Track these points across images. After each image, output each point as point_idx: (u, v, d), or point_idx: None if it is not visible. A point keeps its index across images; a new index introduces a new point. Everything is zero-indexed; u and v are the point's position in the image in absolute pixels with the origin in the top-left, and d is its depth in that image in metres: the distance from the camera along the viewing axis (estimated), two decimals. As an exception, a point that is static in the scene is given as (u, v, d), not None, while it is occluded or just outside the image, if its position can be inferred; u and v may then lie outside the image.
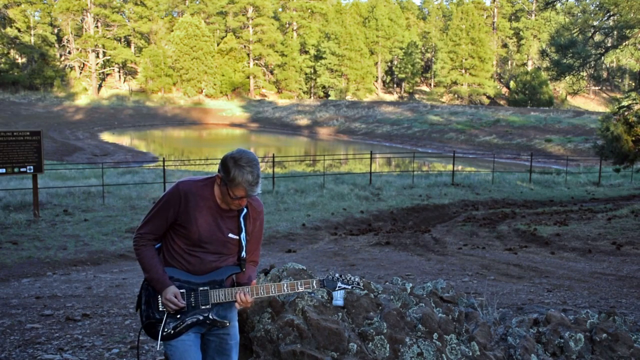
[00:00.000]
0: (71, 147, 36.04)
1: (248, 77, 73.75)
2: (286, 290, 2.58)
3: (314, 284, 2.61)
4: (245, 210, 2.57)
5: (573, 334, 3.61)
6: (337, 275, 2.65)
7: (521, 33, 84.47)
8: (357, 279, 2.68)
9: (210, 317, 2.53)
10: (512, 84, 71.32)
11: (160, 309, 2.50)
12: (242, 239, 2.56)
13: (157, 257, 2.53)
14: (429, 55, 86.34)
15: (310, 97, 76.64)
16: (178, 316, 2.49)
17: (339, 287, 2.62)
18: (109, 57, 67.53)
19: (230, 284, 2.59)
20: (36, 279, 7.41)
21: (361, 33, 76.78)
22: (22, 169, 11.30)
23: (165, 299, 2.45)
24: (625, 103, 16.82)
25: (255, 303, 3.20)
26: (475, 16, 75.70)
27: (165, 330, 2.48)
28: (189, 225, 2.47)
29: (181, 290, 2.49)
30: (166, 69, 67.20)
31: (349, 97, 71.36)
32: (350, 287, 2.65)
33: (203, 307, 2.51)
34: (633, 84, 51.77)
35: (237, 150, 2.44)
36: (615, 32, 18.84)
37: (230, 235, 2.53)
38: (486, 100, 75.12)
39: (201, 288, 2.50)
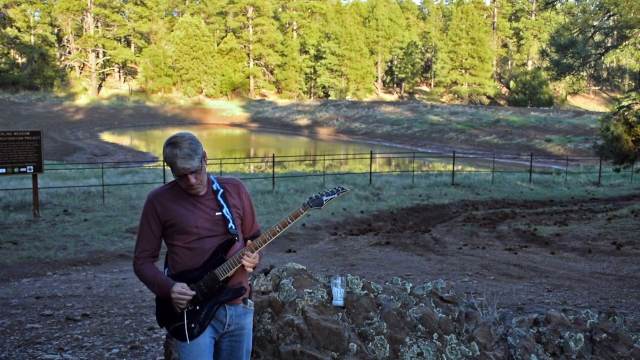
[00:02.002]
0: (71, 147, 36.04)
1: (248, 77, 73.76)
2: (279, 230, 2.58)
3: (301, 209, 2.61)
4: (221, 190, 2.60)
5: (573, 334, 3.61)
6: (321, 192, 2.67)
7: (521, 33, 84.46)
8: (341, 186, 2.68)
9: (227, 295, 2.52)
10: (512, 84, 71.30)
11: (178, 312, 2.51)
12: (225, 213, 2.56)
13: (156, 268, 2.54)
14: (429, 55, 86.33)
15: (310, 97, 76.65)
16: (197, 308, 2.50)
17: (325, 200, 2.63)
18: (109, 57, 67.55)
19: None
20: (36, 279, 7.41)
21: (361, 33, 76.77)
22: (22, 169, 11.30)
23: (175, 295, 2.45)
24: (625, 103, 16.81)
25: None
26: (475, 16, 75.69)
27: (192, 327, 2.49)
28: (176, 218, 2.49)
29: (190, 285, 2.50)
30: (166, 69, 67.20)
31: (349, 97, 71.36)
32: (336, 194, 2.66)
33: (215, 287, 2.51)
34: (633, 84, 51.75)
35: (175, 134, 2.51)
36: (615, 32, 18.85)
37: (217, 214, 2.55)
38: (486, 100, 75.12)
39: (206, 274, 2.51)
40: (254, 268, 2.57)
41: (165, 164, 2.50)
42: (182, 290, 2.44)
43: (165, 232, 2.54)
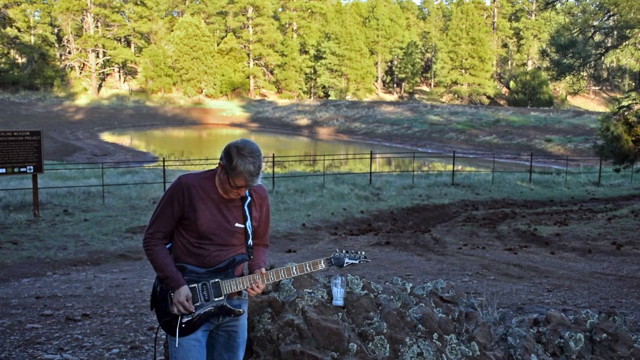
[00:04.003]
0: (71, 147, 36.04)
1: (248, 77, 73.75)
2: (295, 272, 2.60)
3: (323, 264, 2.63)
4: (249, 198, 2.59)
5: (573, 334, 3.61)
6: (343, 251, 2.69)
7: (521, 33, 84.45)
8: (363, 253, 2.74)
9: (225, 305, 2.53)
10: (512, 84, 71.28)
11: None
12: (247, 227, 2.56)
13: (169, 255, 2.53)
14: (429, 55, 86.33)
15: (310, 97, 76.63)
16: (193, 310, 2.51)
17: (346, 262, 2.67)
18: (109, 57, 67.52)
19: (240, 273, 2.60)
20: (36, 279, 7.41)
21: (361, 33, 76.75)
22: (22, 169, 11.30)
23: (177, 301, 2.45)
24: (625, 103, 16.83)
25: (256, 301, 3.20)
26: (475, 16, 75.66)
27: (183, 324, 2.49)
28: (195, 217, 2.48)
29: (192, 286, 2.49)
30: (166, 69, 67.19)
31: (349, 97, 71.34)
32: (357, 261, 2.70)
33: (216, 299, 2.52)
34: (633, 84, 51.76)
35: (241, 140, 2.45)
36: (615, 32, 18.84)
37: (237, 225, 2.54)
38: (486, 100, 75.10)
39: (212, 280, 2.51)
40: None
41: (224, 167, 2.42)
42: (185, 304, 2.45)
43: (181, 221, 2.53)
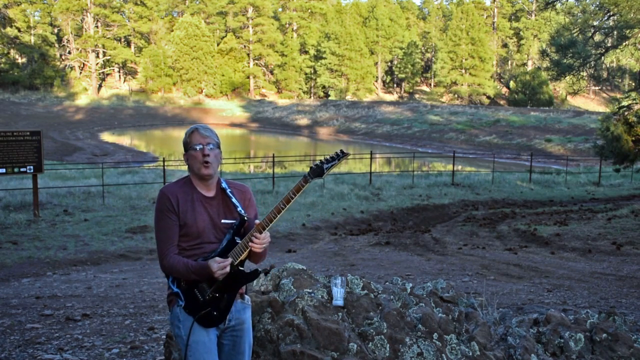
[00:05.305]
0: (71, 147, 36.04)
1: (248, 77, 73.74)
2: (284, 207, 2.49)
3: (302, 182, 2.47)
4: (229, 189, 2.64)
5: (573, 334, 3.61)
6: (319, 161, 2.51)
7: (521, 33, 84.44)
8: (340, 149, 2.50)
9: (236, 269, 2.52)
10: (512, 84, 71.27)
11: (201, 300, 2.51)
12: (234, 202, 2.58)
13: (181, 257, 2.51)
14: (429, 55, 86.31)
15: (310, 97, 76.62)
16: (217, 295, 2.51)
17: (326, 168, 2.46)
18: (109, 57, 67.53)
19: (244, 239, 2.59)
20: (36, 279, 7.41)
21: (361, 33, 76.75)
22: (22, 169, 11.31)
23: (217, 272, 2.43)
24: (625, 103, 16.82)
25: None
26: (475, 16, 75.63)
27: (214, 314, 2.51)
28: (186, 221, 2.51)
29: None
30: (166, 69, 67.18)
31: (349, 97, 71.33)
32: (337, 160, 2.47)
33: (231, 272, 2.50)
34: (633, 84, 51.73)
35: None
36: (615, 32, 18.84)
37: (223, 220, 2.58)
38: (486, 100, 75.08)
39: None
40: (264, 251, 2.56)
41: (185, 151, 2.57)
42: (220, 265, 2.44)
43: None
